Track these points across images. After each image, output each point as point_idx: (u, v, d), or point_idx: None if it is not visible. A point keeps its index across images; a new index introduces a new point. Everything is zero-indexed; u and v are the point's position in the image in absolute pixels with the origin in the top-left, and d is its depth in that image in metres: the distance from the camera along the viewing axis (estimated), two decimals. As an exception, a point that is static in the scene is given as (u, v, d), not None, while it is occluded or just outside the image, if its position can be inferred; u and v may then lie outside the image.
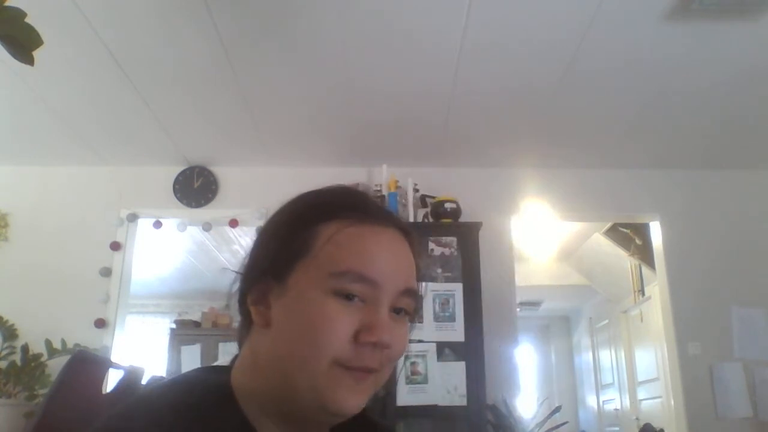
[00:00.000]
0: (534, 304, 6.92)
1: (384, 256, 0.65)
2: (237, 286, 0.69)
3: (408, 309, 0.67)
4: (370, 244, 0.64)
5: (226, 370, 0.67)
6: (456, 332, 3.03)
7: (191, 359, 5.28)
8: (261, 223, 3.32)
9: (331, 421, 0.65)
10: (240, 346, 0.70)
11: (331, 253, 0.63)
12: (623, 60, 2.69)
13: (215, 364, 0.74)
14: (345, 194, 0.70)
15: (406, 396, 2.93)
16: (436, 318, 3.05)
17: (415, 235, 0.71)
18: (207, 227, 3.74)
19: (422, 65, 2.74)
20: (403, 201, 3.43)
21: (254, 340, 0.66)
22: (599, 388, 6.52)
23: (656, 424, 3.95)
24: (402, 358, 3.14)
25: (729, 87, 2.90)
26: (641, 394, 5.32)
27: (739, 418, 3.36)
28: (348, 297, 0.62)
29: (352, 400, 0.61)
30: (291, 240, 0.65)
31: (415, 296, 0.67)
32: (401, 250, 0.68)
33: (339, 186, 0.72)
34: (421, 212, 3.47)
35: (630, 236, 4.63)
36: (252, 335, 0.66)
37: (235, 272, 0.70)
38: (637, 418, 5.22)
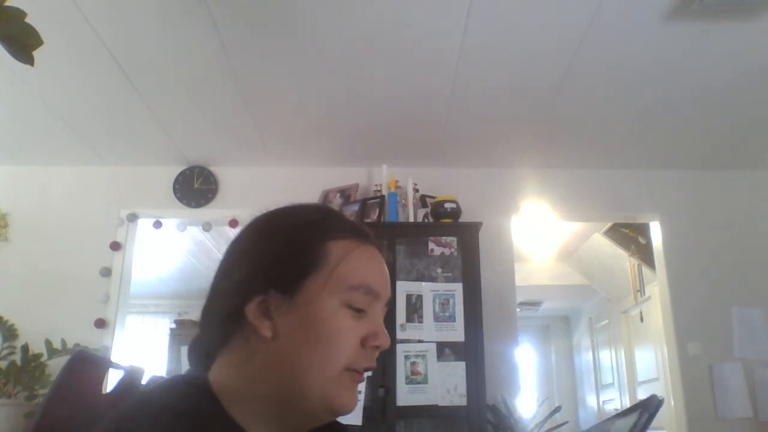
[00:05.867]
0: (534, 304, 6.92)
1: (380, 272, 0.74)
2: (215, 298, 0.71)
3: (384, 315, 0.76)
4: (372, 261, 0.73)
5: (201, 377, 0.69)
6: (456, 332, 3.03)
7: (191, 359, 5.27)
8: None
9: (328, 420, 0.71)
10: (198, 354, 0.72)
11: (347, 269, 0.69)
12: (623, 60, 2.69)
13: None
14: (338, 216, 0.77)
15: (406, 396, 2.93)
16: (436, 318, 3.05)
17: (383, 247, 0.78)
18: (207, 227, 3.74)
19: (422, 65, 2.74)
20: (403, 201, 3.43)
21: (251, 350, 0.67)
22: (599, 388, 6.52)
23: (656, 424, 3.95)
24: (402, 358, 3.14)
25: (729, 87, 2.89)
26: (641, 394, 5.32)
27: (739, 419, 3.36)
28: (357, 309, 0.69)
29: (354, 400, 0.69)
30: (301, 255, 0.69)
31: (390, 303, 0.77)
32: (384, 265, 0.76)
33: (325, 206, 0.80)
34: (421, 212, 3.46)
35: (630, 236, 4.62)
36: (249, 344, 0.68)
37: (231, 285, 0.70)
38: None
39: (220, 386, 0.67)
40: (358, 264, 0.71)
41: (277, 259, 0.69)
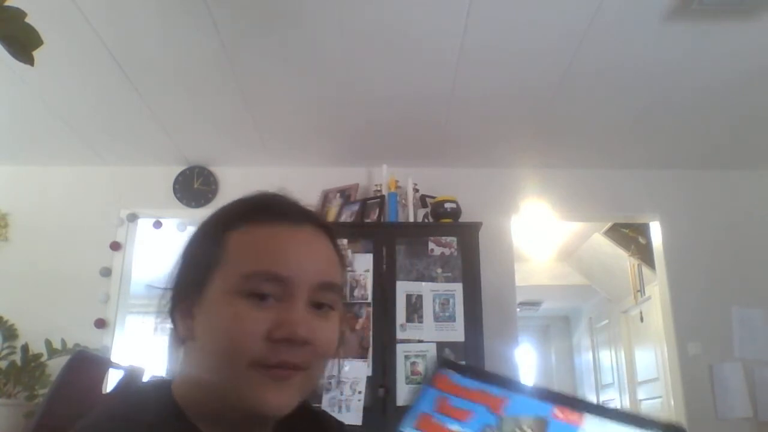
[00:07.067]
0: (534, 304, 6.92)
1: (295, 253, 0.65)
2: (168, 305, 0.71)
3: (332, 303, 0.67)
4: (279, 242, 0.66)
5: (165, 382, 0.69)
6: (456, 332, 3.03)
7: (191, 359, 5.26)
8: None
9: (264, 421, 0.66)
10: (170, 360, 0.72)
11: (239, 256, 0.64)
12: (623, 60, 2.69)
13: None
14: (256, 199, 0.71)
15: (406, 396, 2.93)
16: (436, 318, 3.05)
17: (334, 229, 0.72)
18: (207, 227, 3.74)
19: (422, 65, 2.74)
20: (403, 201, 3.43)
21: (188, 353, 0.67)
22: (599, 388, 6.51)
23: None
24: (402, 358, 3.10)
25: (729, 87, 2.89)
26: (641, 394, 5.32)
27: (739, 418, 3.36)
28: (261, 297, 0.62)
29: (275, 399, 0.62)
30: (204, 252, 0.68)
31: (337, 289, 0.68)
32: (317, 246, 0.68)
33: (253, 192, 0.73)
34: (421, 212, 3.46)
35: (630, 236, 4.62)
36: (186, 348, 0.68)
37: (164, 289, 0.72)
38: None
39: (178, 393, 0.67)
40: (253, 247, 0.65)
41: (190, 260, 0.70)
